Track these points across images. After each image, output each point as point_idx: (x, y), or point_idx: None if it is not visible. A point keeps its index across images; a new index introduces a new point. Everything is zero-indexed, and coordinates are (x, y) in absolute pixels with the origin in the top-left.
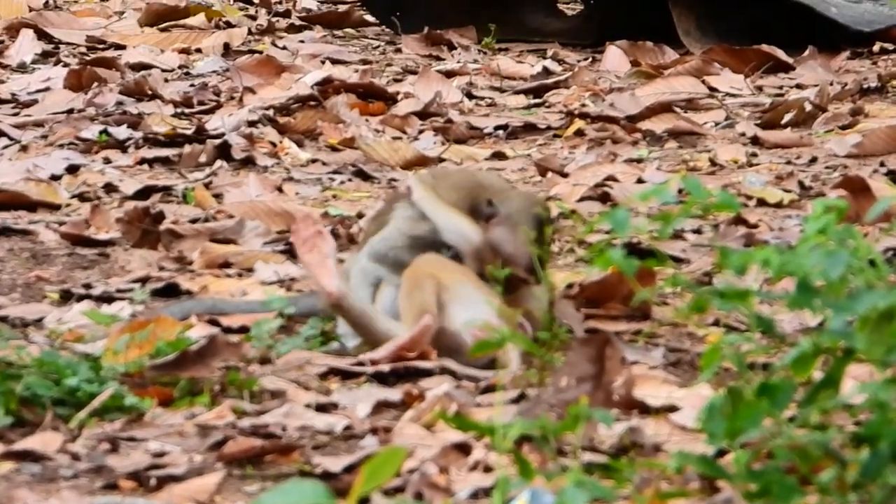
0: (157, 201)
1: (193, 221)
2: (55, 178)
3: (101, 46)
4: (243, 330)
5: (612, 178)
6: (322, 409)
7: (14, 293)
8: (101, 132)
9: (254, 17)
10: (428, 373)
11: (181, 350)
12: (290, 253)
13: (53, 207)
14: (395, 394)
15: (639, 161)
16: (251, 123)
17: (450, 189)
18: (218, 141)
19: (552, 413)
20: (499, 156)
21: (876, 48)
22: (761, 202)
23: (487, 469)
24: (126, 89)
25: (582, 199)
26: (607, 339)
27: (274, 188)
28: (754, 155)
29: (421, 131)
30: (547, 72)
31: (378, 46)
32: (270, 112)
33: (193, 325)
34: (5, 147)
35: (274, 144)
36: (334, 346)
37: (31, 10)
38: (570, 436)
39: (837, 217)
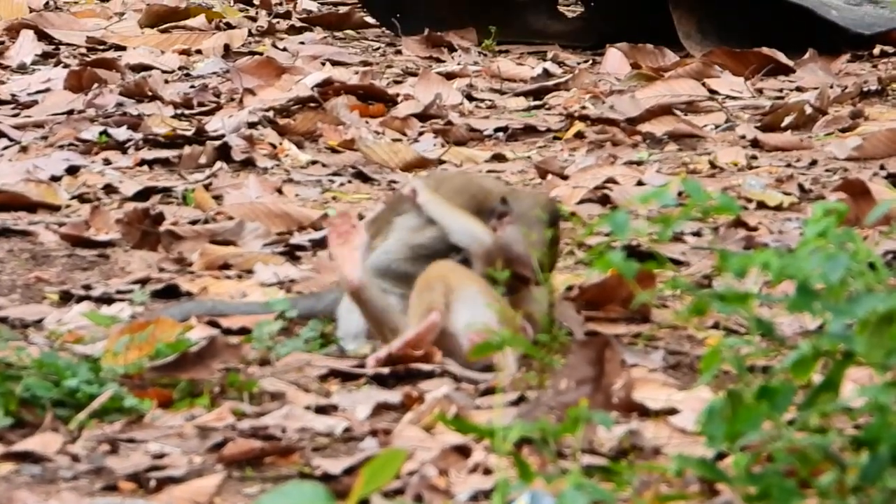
0: (156, 203)
1: (193, 223)
2: (55, 179)
3: (101, 47)
4: (243, 331)
5: (611, 180)
6: (322, 410)
7: (14, 294)
8: (101, 133)
9: (254, 19)
10: (428, 375)
11: (181, 351)
12: (290, 254)
13: (53, 208)
14: (394, 396)
15: (639, 163)
16: (251, 125)
17: (453, 192)
18: (218, 142)
19: (552, 415)
20: (499, 158)
21: (876, 51)
22: (761, 205)
23: (487, 471)
24: (126, 90)
25: (582, 202)
26: (607, 342)
27: (274, 190)
28: (754, 158)
29: (421, 133)
30: (547, 74)
31: (378, 48)
32: (270, 114)
33: (193, 326)
34: (5, 148)
35: (274, 146)
36: (334, 348)
37: (31, 10)
38: (570, 438)
39: (837, 220)
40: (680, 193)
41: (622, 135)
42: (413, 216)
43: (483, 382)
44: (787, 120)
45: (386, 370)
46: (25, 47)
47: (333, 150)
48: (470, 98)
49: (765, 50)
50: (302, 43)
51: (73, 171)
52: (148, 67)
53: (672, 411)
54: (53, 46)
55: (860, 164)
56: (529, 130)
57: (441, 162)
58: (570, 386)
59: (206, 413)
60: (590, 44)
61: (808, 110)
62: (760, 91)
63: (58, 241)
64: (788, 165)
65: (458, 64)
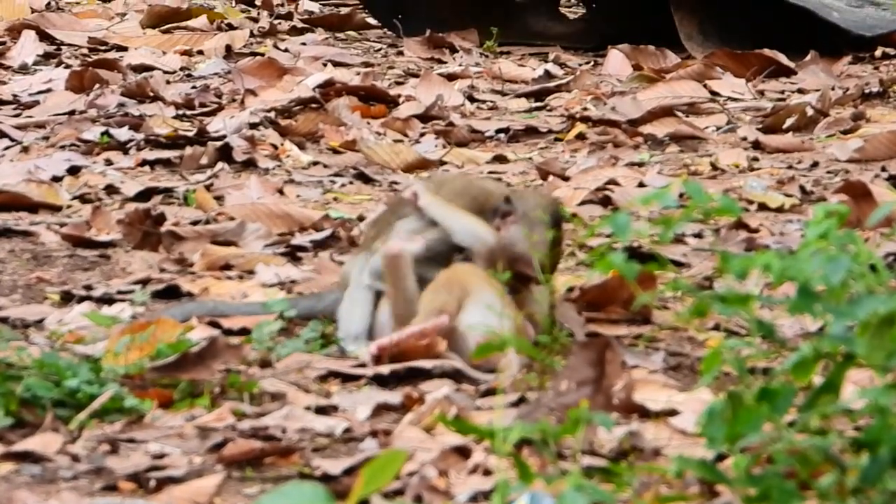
0: (158, 203)
1: (194, 223)
2: (56, 179)
3: (102, 48)
4: (244, 332)
5: (613, 181)
6: (322, 411)
7: (15, 294)
8: (102, 134)
9: (256, 20)
10: (428, 375)
11: (181, 352)
12: (291, 255)
13: (54, 209)
14: (395, 397)
15: (640, 165)
16: (252, 126)
17: (454, 194)
18: (219, 143)
19: (552, 417)
20: (500, 159)
21: (878, 53)
22: (762, 207)
23: (487, 472)
24: (128, 91)
25: (583, 203)
26: (608, 343)
27: (275, 190)
28: (756, 159)
29: (422, 134)
30: (548, 75)
31: (380, 49)
32: (272, 114)
33: (194, 327)
34: (7, 148)
35: (275, 147)
36: (334, 348)
37: (33, 11)
38: (570, 439)
39: (838, 222)
40: (681, 195)
41: (623, 136)
42: (414, 219)
43: (484, 383)
44: (789, 122)
45: (386, 371)
46: (27, 48)
47: (335, 151)
48: (471, 99)
49: (766, 51)
50: (303, 44)
51: (74, 171)
52: (149, 68)
53: (672, 413)
54: (55, 47)
55: (861, 165)
56: (531, 132)
57: (442, 163)
58: (570, 387)
59: (206, 413)
60: (591, 45)
61: (810, 112)
62: (762, 93)
63: (59, 241)
64: (790, 167)
65: (460, 65)
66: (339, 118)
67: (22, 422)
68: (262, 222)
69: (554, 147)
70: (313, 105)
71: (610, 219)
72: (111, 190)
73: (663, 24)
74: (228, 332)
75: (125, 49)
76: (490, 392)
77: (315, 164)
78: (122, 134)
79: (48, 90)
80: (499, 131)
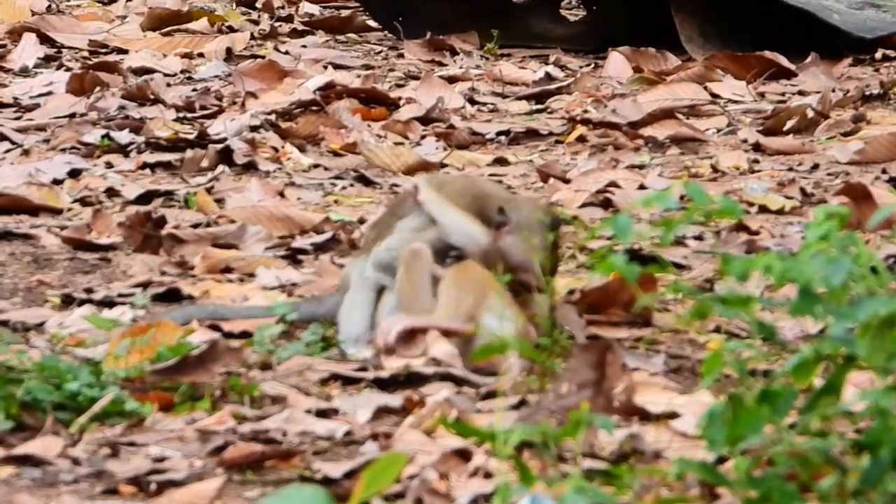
0: (158, 206)
1: (195, 226)
2: (57, 182)
3: (103, 51)
4: (244, 335)
5: (613, 184)
6: (323, 414)
7: (15, 297)
8: (103, 136)
9: (256, 22)
10: (428, 378)
11: (182, 355)
12: (292, 258)
13: (55, 212)
14: (395, 400)
15: (641, 167)
16: (253, 128)
17: (454, 194)
18: (220, 146)
19: (553, 419)
20: (501, 161)
21: (878, 55)
22: (763, 209)
23: (488, 475)
24: (128, 94)
25: (584, 206)
26: (608, 346)
27: (276, 193)
28: (756, 161)
29: (423, 137)
30: (549, 77)
31: (380, 52)
32: (272, 117)
33: (194, 330)
34: (7, 151)
35: (276, 149)
36: (335, 351)
37: (33, 14)
38: (571, 442)
39: (839, 224)
40: (682, 197)
41: (624, 138)
42: (416, 217)
43: (484, 386)
44: (789, 124)
45: (386, 374)
46: (28, 50)
47: (335, 154)
48: (472, 102)
49: (767, 54)
50: (304, 46)
51: (74, 174)
52: (150, 71)
53: (673, 415)
54: (56, 50)
55: (862, 167)
56: (531, 134)
57: (443, 165)
58: (571, 389)
59: (206, 416)
60: (592, 47)
61: (810, 114)
62: (762, 95)
63: (59, 244)
64: (790, 169)
65: (461, 67)
66: (339, 121)
67: (22, 425)
68: (262, 225)
69: (554, 149)
70: (314, 108)
71: (611, 221)
72: (112, 193)
73: (664, 27)
74: (229, 336)
75: (126, 52)
76: (490, 395)
77: (316, 166)
78: (123, 137)
79: (49, 93)
80: (499, 133)
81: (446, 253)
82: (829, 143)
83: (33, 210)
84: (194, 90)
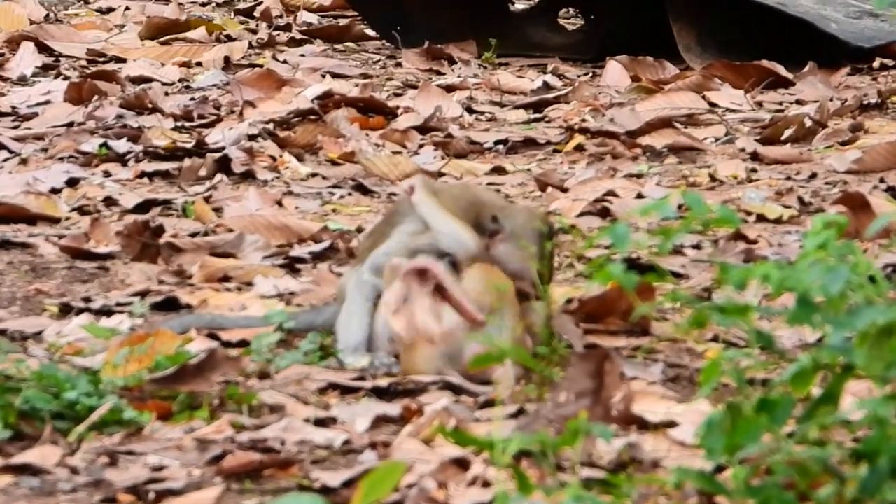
0: (156, 215)
1: (193, 235)
2: (55, 191)
3: (101, 59)
4: (242, 344)
5: (611, 193)
6: (321, 423)
7: (13, 306)
8: (101, 145)
9: (254, 31)
10: (426, 387)
11: (180, 364)
12: (290, 267)
13: (53, 220)
14: (394, 408)
15: (639, 176)
16: (251, 137)
17: (450, 200)
18: (218, 155)
19: (551, 428)
20: (499, 170)
21: (876, 64)
22: (761, 218)
23: (486, 484)
24: (126, 102)
25: (582, 214)
26: (606, 355)
27: (274, 202)
28: (754, 170)
29: (421, 146)
30: (547, 87)
31: (378, 61)
32: (270, 126)
33: (193, 338)
34: (5, 160)
35: (274, 158)
36: (333, 360)
37: (31, 22)
38: (569, 451)
39: (837, 233)
40: (680, 206)
41: (622, 147)
42: (412, 221)
43: (482, 395)
44: (787, 133)
45: (385, 383)
46: (26, 59)
47: (333, 163)
48: (470, 110)
49: (765, 63)
50: (302, 55)
51: (73, 183)
52: (148, 79)
53: (671, 424)
54: (54, 58)
55: (860, 176)
56: (529, 143)
57: (441, 174)
58: (569, 398)
59: (205, 425)
60: (590, 56)
61: (808, 123)
62: (760, 104)
63: (57, 253)
64: (788, 178)
65: (459, 76)
66: (337, 130)
67: (21, 434)
68: (260, 234)
69: (552, 158)
70: (312, 116)
71: (609, 230)
72: (110, 202)
73: (662, 36)
74: (227, 344)
75: (124, 61)
76: (489, 404)
77: (314, 175)
78: (121, 146)
79: (47, 102)
80: (497, 143)
81: (440, 258)
82: (826, 152)
83: (31, 219)
84: (192, 99)
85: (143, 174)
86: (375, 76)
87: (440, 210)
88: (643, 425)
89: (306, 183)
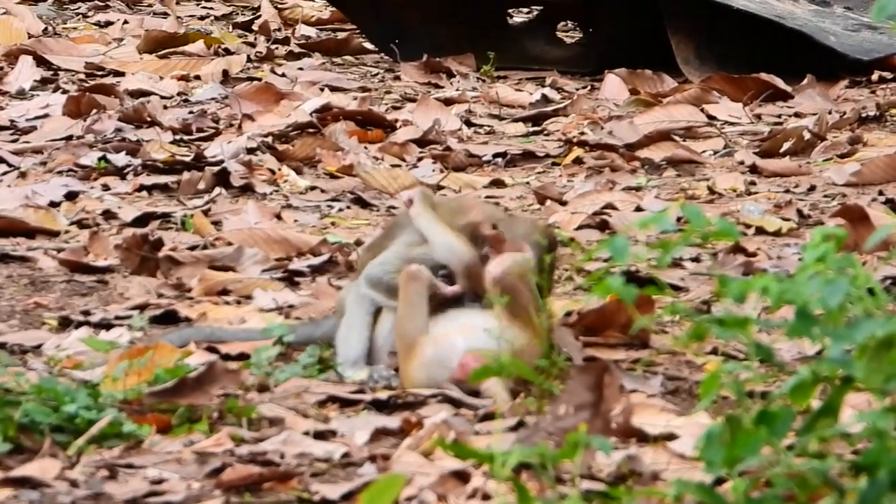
0: (155, 228)
1: (192, 248)
2: (54, 204)
3: (100, 73)
4: (242, 357)
5: (610, 206)
6: (320, 436)
7: (13, 320)
8: (99, 159)
9: (253, 45)
10: (426, 400)
11: (180, 377)
12: (289, 280)
13: (52, 234)
14: (393, 421)
15: (637, 189)
16: (250, 150)
17: (448, 213)
18: (217, 168)
19: (551, 441)
20: (497, 183)
21: (874, 77)
22: (760, 230)
23: (486, 497)
24: (125, 116)
25: (580, 227)
26: (606, 367)
27: (273, 215)
28: (753, 183)
29: (419, 159)
30: (546, 100)
31: (377, 74)
32: (269, 139)
33: (192, 352)
34: (4, 173)
35: (273, 172)
36: (332, 374)
37: (30, 36)
38: (569, 464)
39: (836, 246)
40: (679, 219)
41: (621, 160)
42: (410, 233)
43: (482, 408)
44: (786, 146)
45: (384, 396)
46: (24, 73)
47: (332, 176)
48: (468, 124)
49: (763, 76)
50: (301, 69)
51: (71, 196)
52: (147, 93)
53: (671, 437)
54: (52, 72)
55: (859, 189)
56: (528, 156)
57: (439, 187)
58: (568, 411)
59: (204, 439)
60: (588, 69)
61: (807, 136)
62: (759, 117)
63: (57, 266)
64: (787, 191)
65: (457, 90)
66: (336, 143)
67: (20, 447)
68: (259, 247)
69: (551, 171)
70: (310, 130)
71: (607, 243)
72: (109, 215)
73: (660, 49)
74: (226, 358)
75: (122, 74)
76: (488, 416)
77: (312, 188)
78: (120, 159)
79: (45, 115)
80: (496, 156)
81: (437, 270)
82: (825, 164)
83: (30, 232)
84: (191, 112)
85: (141, 188)
86: (374, 89)
87: (437, 222)
88: (643, 438)
89: (305, 196)
